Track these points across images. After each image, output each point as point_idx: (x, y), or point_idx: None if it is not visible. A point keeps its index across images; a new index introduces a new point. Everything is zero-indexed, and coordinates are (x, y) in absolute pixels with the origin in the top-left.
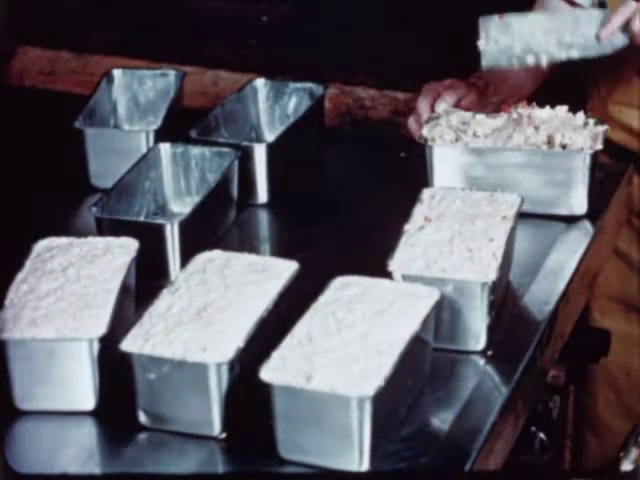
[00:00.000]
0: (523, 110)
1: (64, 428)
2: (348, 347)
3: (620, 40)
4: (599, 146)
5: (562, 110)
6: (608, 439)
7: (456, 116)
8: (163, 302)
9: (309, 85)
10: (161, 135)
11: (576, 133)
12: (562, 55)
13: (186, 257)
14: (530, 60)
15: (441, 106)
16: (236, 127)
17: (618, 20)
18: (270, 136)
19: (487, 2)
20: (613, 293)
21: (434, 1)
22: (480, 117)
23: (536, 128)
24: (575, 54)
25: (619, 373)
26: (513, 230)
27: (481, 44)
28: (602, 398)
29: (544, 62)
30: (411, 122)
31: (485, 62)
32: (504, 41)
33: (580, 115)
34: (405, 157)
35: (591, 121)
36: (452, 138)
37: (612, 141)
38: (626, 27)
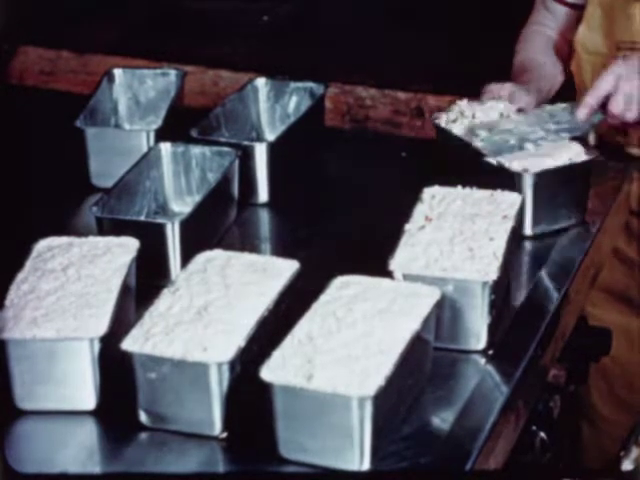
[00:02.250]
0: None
1: (64, 428)
2: (349, 347)
3: (596, 117)
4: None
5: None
6: (602, 428)
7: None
8: (164, 302)
9: (310, 84)
10: (162, 134)
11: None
12: (555, 138)
13: (187, 257)
14: (529, 146)
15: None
16: (237, 126)
17: (592, 100)
18: (271, 135)
19: (487, 2)
20: (607, 286)
21: (434, 1)
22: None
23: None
24: (565, 135)
25: (611, 364)
26: (514, 229)
27: (477, 143)
28: (595, 388)
29: (541, 145)
30: None
31: (489, 155)
32: (498, 137)
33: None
34: (405, 157)
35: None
36: (452, 119)
37: (608, 141)
38: (602, 106)
